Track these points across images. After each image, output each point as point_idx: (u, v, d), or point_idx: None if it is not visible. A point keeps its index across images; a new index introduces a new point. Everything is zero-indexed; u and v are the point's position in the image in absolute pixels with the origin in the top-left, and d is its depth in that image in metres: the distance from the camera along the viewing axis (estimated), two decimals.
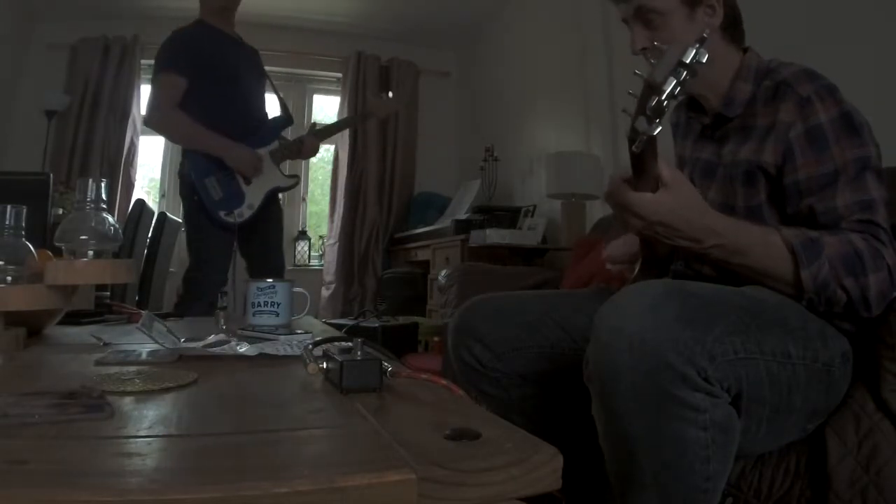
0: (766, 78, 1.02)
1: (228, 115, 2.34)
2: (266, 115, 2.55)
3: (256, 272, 2.44)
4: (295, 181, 2.62)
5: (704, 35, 0.75)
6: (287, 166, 2.59)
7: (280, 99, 2.64)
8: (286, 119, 2.59)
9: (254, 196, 2.41)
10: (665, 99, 0.72)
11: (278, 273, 2.49)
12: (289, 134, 2.65)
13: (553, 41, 3.56)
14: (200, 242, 2.38)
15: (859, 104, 0.95)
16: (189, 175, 2.34)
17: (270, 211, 2.50)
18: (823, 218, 0.91)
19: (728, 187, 1.03)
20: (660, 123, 0.74)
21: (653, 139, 0.76)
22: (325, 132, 2.84)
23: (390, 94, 3.01)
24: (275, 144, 2.50)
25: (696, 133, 1.13)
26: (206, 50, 2.31)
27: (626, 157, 0.85)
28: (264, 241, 2.50)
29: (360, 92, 4.63)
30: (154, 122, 2.36)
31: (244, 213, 2.38)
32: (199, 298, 2.31)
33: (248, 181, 2.39)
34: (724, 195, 1.03)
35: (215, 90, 2.32)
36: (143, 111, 4.23)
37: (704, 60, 0.72)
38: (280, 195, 2.60)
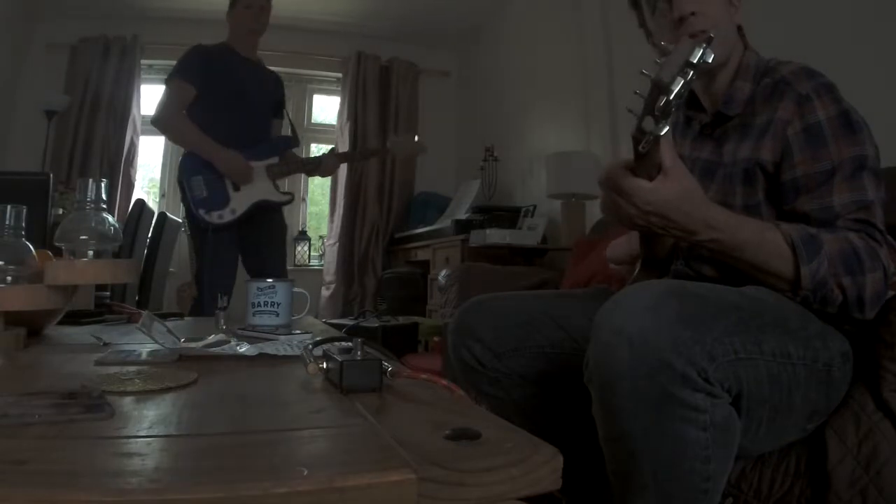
0: (765, 76, 1.02)
1: (228, 127, 2.49)
2: (268, 134, 2.71)
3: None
4: (288, 198, 2.72)
5: (711, 35, 0.75)
6: (286, 184, 2.76)
7: (291, 124, 2.83)
8: (291, 140, 2.77)
9: (238, 203, 2.51)
10: (673, 99, 0.72)
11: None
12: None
13: (553, 41, 3.56)
14: (200, 243, 2.52)
15: (859, 104, 0.95)
16: (180, 173, 2.52)
17: (263, 222, 2.60)
18: (819, 215, 0.91)
19: (727, 186, 1.03)
20: (667, 123, 0.74)
21: (659, 139, 0.76)
22: (345, 157, 3.31)
23: (416, 138, 3.20)
24: (273, 160, 2.62)
25: (694, 132, 1.13)
26: (218, 67, 2.52)
27: (626, 157, 0.85)
28: (258, 251, 2.62)
29: (360, 92, 4.64)
30: (158, 122, 2.54)
31: (224, 215, 2.48)
32: (208, 297, 2.40)
33: (236, 188, 2.52)
34: (723, 194, 1.03)
35: (220, 104, 2.50)
36: (143, 111, 4.30)
37: (711, 60, 0.72)
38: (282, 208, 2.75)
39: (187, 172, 2.49)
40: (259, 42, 2.68)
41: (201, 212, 2.45)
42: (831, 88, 0.95)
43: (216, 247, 2.46)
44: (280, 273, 2.66)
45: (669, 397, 0.73)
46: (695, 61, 0.72)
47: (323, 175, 2.97)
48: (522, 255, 3.25)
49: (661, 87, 0.73)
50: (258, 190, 2.55)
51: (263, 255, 2.62)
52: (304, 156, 3.36)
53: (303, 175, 4.16)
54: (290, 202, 2.74)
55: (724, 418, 0.76)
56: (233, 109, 2.53)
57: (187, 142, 2.53)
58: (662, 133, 0.75)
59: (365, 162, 4.51)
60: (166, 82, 2.54)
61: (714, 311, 0.77)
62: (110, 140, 4.13)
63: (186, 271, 4.17)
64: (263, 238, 2.62)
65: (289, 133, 2.80)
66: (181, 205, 2.60)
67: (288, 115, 2.86)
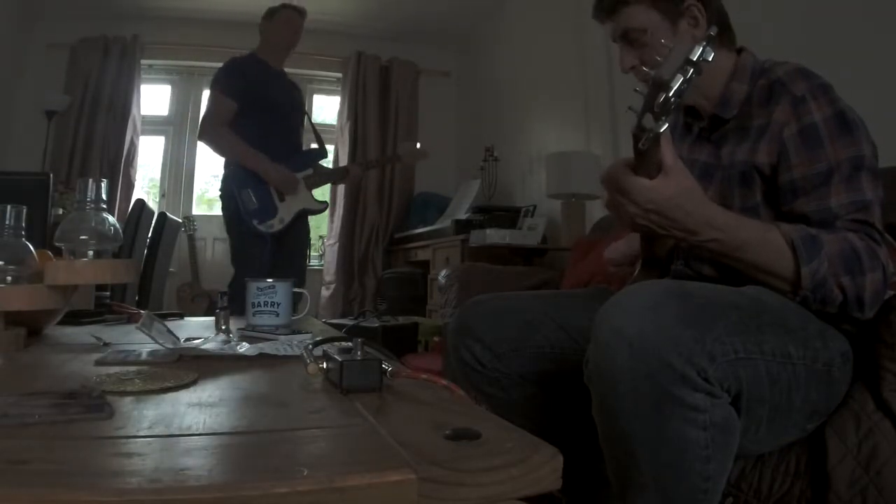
0: (760, 78, 1.02)
1: (269, 140, 2.63)
2: (300, 145, 2.85)
3: None
4: (324, 206, 2.88)
5: (711, 33, 0.75)
6: (317, 193, 2.83)
7: (317, 133, 2.95)
8: (321, 152, 2.91)
9: (285, 212, 2.67)
10: (673, 96, 0.72)
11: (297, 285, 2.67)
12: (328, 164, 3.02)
13: (553, 41, 3.56)
14: (242, 251, 2.63)
15: (858, 104, 0.95)
16: (230, 186, 2.62)
17: (298, 229, 2.77)
18: (817, 217, 0.91)
19: (725, 189, 1.03)
20: (667, 121, 0.74)
21: (659, 136, 0.76)
22: (369, 166, 3.58)
23: (418, 145, 3.41)
24: (308, 171, 2.78)
25: (693, 135, 1.13)
26: (255, 80, 2.63)
27: (627, 156, 0.85)
28: (288, 255, 2.73)
29: (360, 92, 4.64)
30: (206, 138, 2.65)
31: (275, 225, 2.64)
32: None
33: (281, 198, 2.67)
34: (721, 196, 1.03)
35: (259, 117, 2.61)
36: (143, 111, 4.30)
37: (711, 59, 0.72)
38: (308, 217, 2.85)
39: (237, 185, 2.59)
40: None
41: (255, 222, 2.58)
42: (827, 89, 0.95)
43: (265, 254, 2.57)
44: (301, 277, 2.74)
45: (669, 397, 0.73)
46: (694, 59, 0.72)
47: (349, 184, 3.15)
48: (522, 255, 3.25)
49: (660, 84, 0.73)
50: (300, 200, 2.71)
51: (290, 260, 2.72)
52: None
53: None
54: (325, 209, 2.87)
55: (723, 418, 0.76)
56: (271, 122, 2.64)
57: (236, 155, 2.61)
58: (662, 130, 0.75)
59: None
60: (209, 98, 2.64)
61: (714, 311, 0.77)
62: (110, 140, 4.13)
63: (186, 271, 4.18)
64: (294, 245, 2.75)
65: (313, 143, 2.91)
66: (224, 216, 2.67)
67: (313, 125, 2.95)
